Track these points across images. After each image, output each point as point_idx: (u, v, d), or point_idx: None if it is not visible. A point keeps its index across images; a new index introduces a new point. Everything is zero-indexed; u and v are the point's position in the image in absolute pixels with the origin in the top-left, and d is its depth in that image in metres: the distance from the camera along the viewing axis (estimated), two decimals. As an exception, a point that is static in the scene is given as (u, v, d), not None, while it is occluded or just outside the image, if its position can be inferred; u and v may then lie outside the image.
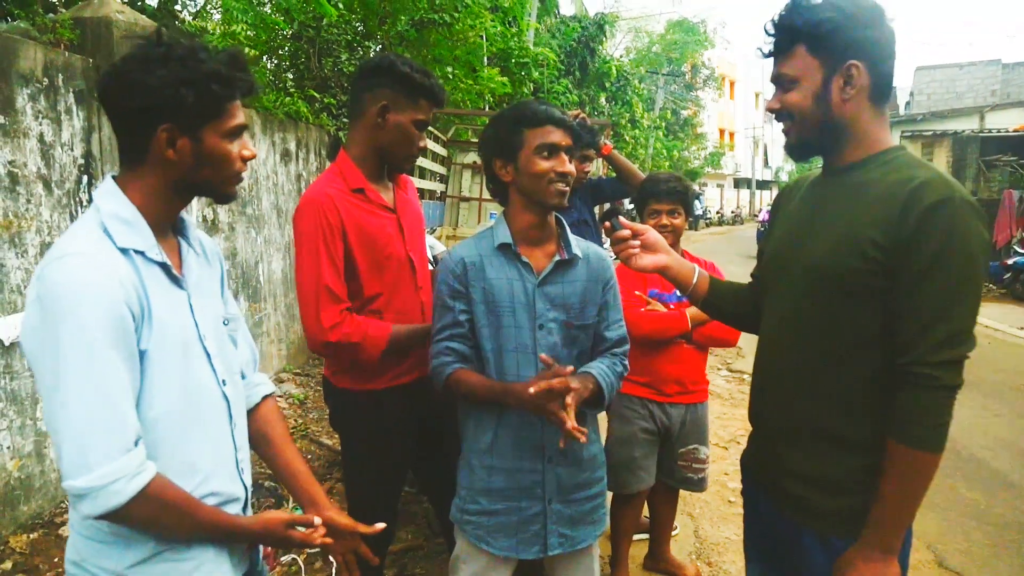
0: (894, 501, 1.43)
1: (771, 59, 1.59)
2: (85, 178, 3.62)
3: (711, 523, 3.85)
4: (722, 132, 43.15)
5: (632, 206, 3.60)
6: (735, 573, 3.34)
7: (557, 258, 1.94)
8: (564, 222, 2.02)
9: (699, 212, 14.14)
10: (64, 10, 3.93)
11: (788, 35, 1.52)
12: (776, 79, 1.58)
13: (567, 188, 1.90)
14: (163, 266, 1.32)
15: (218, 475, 1.39)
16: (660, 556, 3.26)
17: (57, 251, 1.23)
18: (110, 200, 1.29)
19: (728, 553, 3.52)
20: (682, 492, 3.23)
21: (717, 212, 38.56)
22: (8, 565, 3.09)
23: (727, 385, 6.74)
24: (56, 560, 3.16)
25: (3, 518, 3.20)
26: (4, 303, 3.13)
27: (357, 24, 7.84)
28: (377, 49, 8.39)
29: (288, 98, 6.11)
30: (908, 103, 24.21)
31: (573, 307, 1.94)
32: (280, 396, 5.56)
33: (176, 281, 1.36)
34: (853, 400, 1.50)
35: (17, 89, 3.20)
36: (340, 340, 2.05)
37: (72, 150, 3.53)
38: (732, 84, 43.09)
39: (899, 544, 1.45)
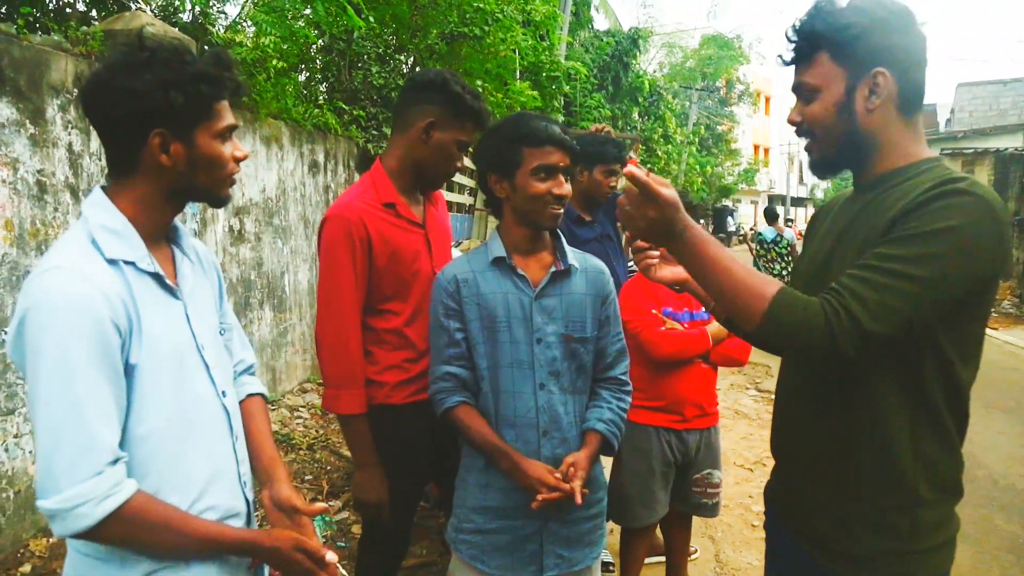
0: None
1: (792, 68, 1.49)
2: (100, 185, 3.67)
3: (733, 547, 3.76)
4: (756, 148, 42.76)
5: None
6: (755, 600, 3.24)
7: (553, 269, 1.91)
8: (559, 233, 1.98)
9: (732, 228, 13.92)
10: (97, 23, 4.00)
11: (810, 41, 1.42)
12: (797, 88, 1.48)
13: (562, 210, 1.86)
14: (155, 276, 1.29)
15: (218, 489, 1.35)
16: (678, 580, 3.18)
17: (44, 264, 1.21)
18: (98, 211, 1.26)
19: (749, 579, 3.43)
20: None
21: (751, 228, 38.16)
22: (27, 568, 3.12)
23: (755, 405, 6.61)
24: (73, 565, 3.18)
25: (24, 521, 3.23)
26: (29, 309, 3.17)
27: (389, 37, 7.90)
28: (408, 62, 8.45)
29: (317, 110, 6.16)
30: (949, 120, 23.75)
31: (572, 320, 1.90)
32: (303, 407, 5.58)
33: (170, 291, 1.33)
34: (885, 433, 1.37)
35: (48, 100, 3.26)
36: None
37: (100, 159, 3.59)
38: (768, 100, 42.72)
39: None
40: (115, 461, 1.17)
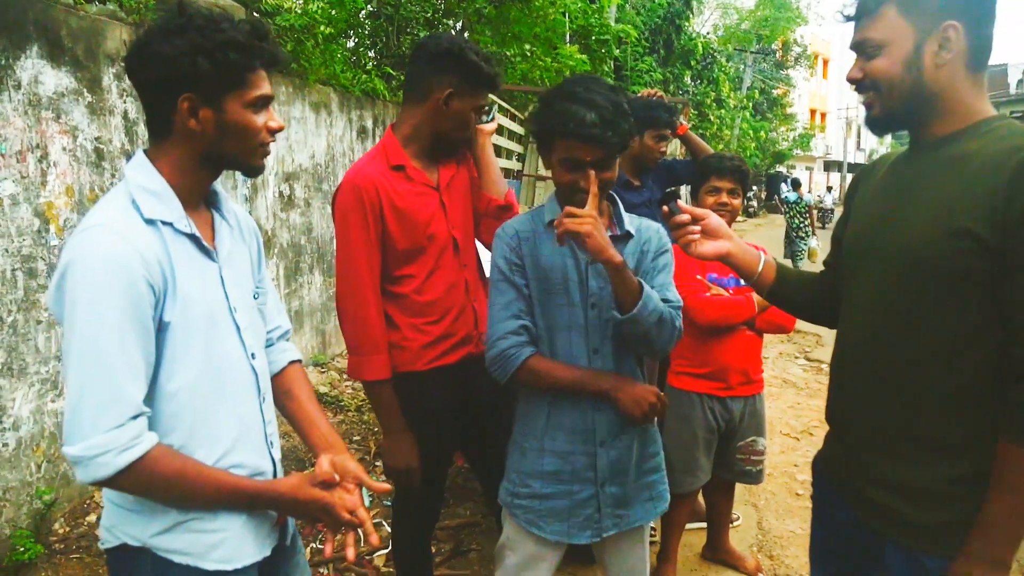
0: (1005, 510, 1.27)
1: (853, 24, 1.44)
2: (141, 148, 3.77)
3: (776, 515, 3.74)
4: (813, 113, 41.47)
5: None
6: (797, 568, 3.23)
7: (609, 234, 1.88)
8: (617, 199, 1.96)
9: (784, 194, 13.64)
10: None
11: None
12: (858, 45, 1.41)
13: (587, 197, 1.76)
14: (192, 238, 1.33)
15: (244, 448, 1.40)
16: (719, 546, 3.19)
17: (86, 221, 1.25)
18: (139, 173, 1.30)
19: (791, 547, 3.42)
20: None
21: (809, 195, 37.17)
22: (92, 518, 3.29)
23: (803, 374, 6.52)
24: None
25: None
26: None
27: (437, 1, 7.86)
28: (457, 27, 8.40)
29: (365, 76, 6.19)
30: (1020, 81, 22.64)
31: None
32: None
33: (207, 253, 1.36)
34: (955, 400, 1.34)
35: (104, 68, 3.35)
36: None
37: (155, 126, 3.68)
38: (826, 62, 41.32)
39: (1011, 557, 1.29)
40: (137, 415, 1.22)
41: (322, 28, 5.31)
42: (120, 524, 1.33)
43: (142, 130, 3.59)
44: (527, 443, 1.95)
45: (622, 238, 1.90)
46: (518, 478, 1.95)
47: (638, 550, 2.04)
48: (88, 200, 3.28)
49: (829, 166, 46.77)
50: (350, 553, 1.42)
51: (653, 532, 3.17)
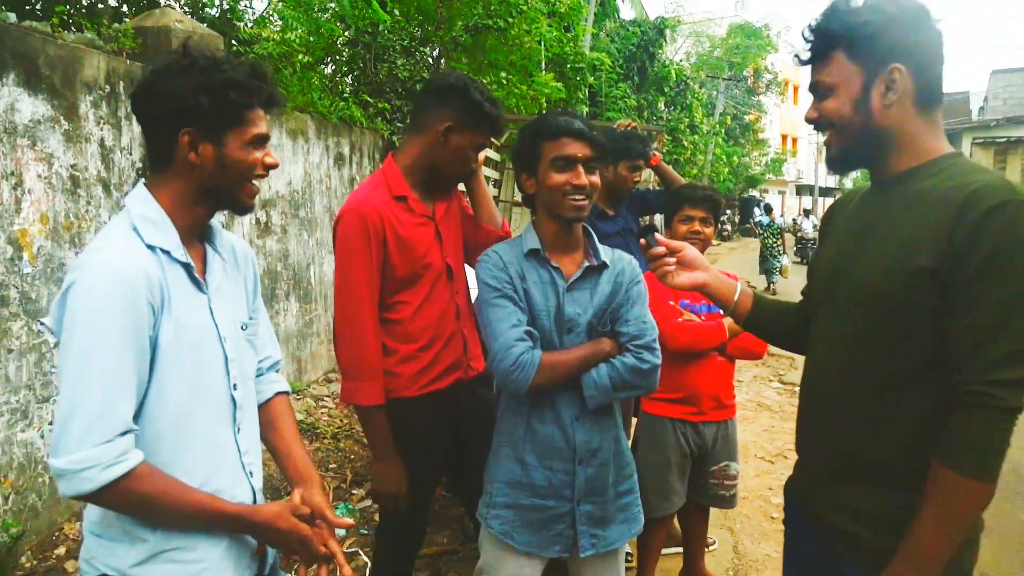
0: (930, 530, 1.31)
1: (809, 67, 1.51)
2: (142, 181, 3.76)
3: (751, 539, 3.77)
4: (784, 138, 42.24)
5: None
6: (772, 592, 3.26)
7: (586, 264, 1.95)
8: (591, 231, 2.01)
9: (758, 218, 14.18)
10: (129, 20, 4.09)
11: (826, 40, 1.44)
12: (813, 87, 1.50)
13: (585, 201, 1.88)
14: (186, 267, 1.39)
15: (221, 475, 1.42)
16: (695, 571, 3.20)
17: (91, 245, 1.33)
18: (139, 203, 1.37)
19: (767, 571, 3.44)
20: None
21: (781, 218, 37.69)
22: (62, 551, 3.23)
23: (778, 397, 6.59)
24: (106, 548, 3.29)
25: (59, 506, 3.34)
26: (64, 300, 3.27)
27: (414, 29, 7.95)
28: (434, 55, 8.48)
29: (342, 103, 6.23)
30: (982, 108, 23.24)
31: (601, 308, 1.93)
32: (327, 396, 5.67)
33: (197, 284, 1.42)
34: (911, 433, 1.39)
35: (81, 96, 3.35)
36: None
37: (131, 154, 3.68)
38: (796, 89, 42.08)
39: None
40: (126, 432, 1.24)
41: (300, 56, 5.35)
42: (99, 555, 1.34)
43: (119, 158, 3.59)
44: (505, 452, 1.98)
45: (597, 268, 1.95)
46: (495, 488, 1.99)
47: (611, 573, 2.06)
48: (63, 228, 3.26)
49: (801, 190, 47.51)
50: None
51: (629, 557, 3.18)
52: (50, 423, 3.24)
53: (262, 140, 1.42)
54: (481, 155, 2.46)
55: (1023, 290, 1.26)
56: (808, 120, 1.53)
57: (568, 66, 10.56)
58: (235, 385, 1.47)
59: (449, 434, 2.35)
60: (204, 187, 1.40)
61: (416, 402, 2.22)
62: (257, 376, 1.62)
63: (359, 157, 6.67)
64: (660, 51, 18.49)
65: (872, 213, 1.49)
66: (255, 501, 1.51)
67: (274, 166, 1.46)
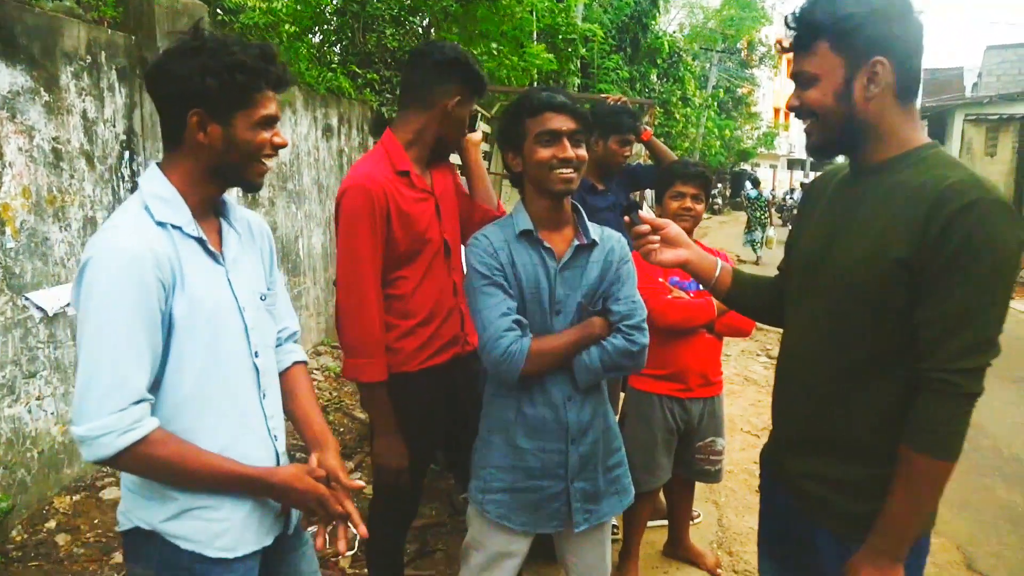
0: (903, 507, 1.40)
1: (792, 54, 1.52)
2: (127, 153, 3.72)
3: (736, 512, 3.82)
4: (777, 111, 42.02)
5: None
6: (755, 564, 3.29)
7: (576, 243, 1.94)
8: (580, 208, 2.01)
9: (747, 191, 14.21)
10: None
11: (810, 30, 1.45)
12: (795, 76, 1.51)
13: (573, 174, 1.87)
14: (199, 241, 1.45)
15: (245, 440, 1.50)
16: (680, 543, 3.26)
17: (105, 224, 1.40)
18: (151, 182, 1.43)
19: (750, 543, 3.49)
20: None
21: (771, 192, 37.76)
22: (52, 524, 3.24)
23: (764, 372, 6.64)
24: (96, 521, 3.30)
25: (48, 480, 3.35)
26: (48, 275, 3.25)
27: (404, -1, 7.83)
28: (423, 24, 8.37)
29: (330, 74, 6.15)
30: (976, 84, 23.17)
31: (591, 288, 1.94)
32: (316, 369, 5.68)
33: (213, 256, 1.48)
34: (880, 414, 1.46)
35: (61, 67, 3.30)
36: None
37: (114, 126, 3.63)
38: (789, 62, 41.82)
39: (906, 550, 1.42)
40: (139, 401, 1.32)
41: (286, 27, 5.26)
42: (133, 509, 1.45)
43: (102, 130, 3.54)
44: (497, 437, 1.98)
45: (587, 247, 1.94)
46: (489, 473, 1.99)
47: (599, 548, 2.09)
48: (46, 202, 3.23)
49: (793, 164, 47.47)
50: (341, 545, 1.53)
51: (616, 530, 3.22)
52: (37, 398, 3.23)
53: (271, 121, 1.46)
54: (479, 134, 2.50)
55: (987, 286, 1.32)
56: (789, 108, 1.55)
57: (560, 37, 10.45)
58: (256, 352, 1.54)
59: (446, 409, 2.36)
60: (213, 166, 1.45)
61: (416, 377, 2.23)
62: (276, 346, 1.69)
63: (347, 128, 6.61)
64: (653, 22, 18.31)
65: (850, 202, 1.53)
66: (278, 464, 1.58)
67: (283, 145, 1.50)
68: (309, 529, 1.64)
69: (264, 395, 1.56)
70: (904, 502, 1.39)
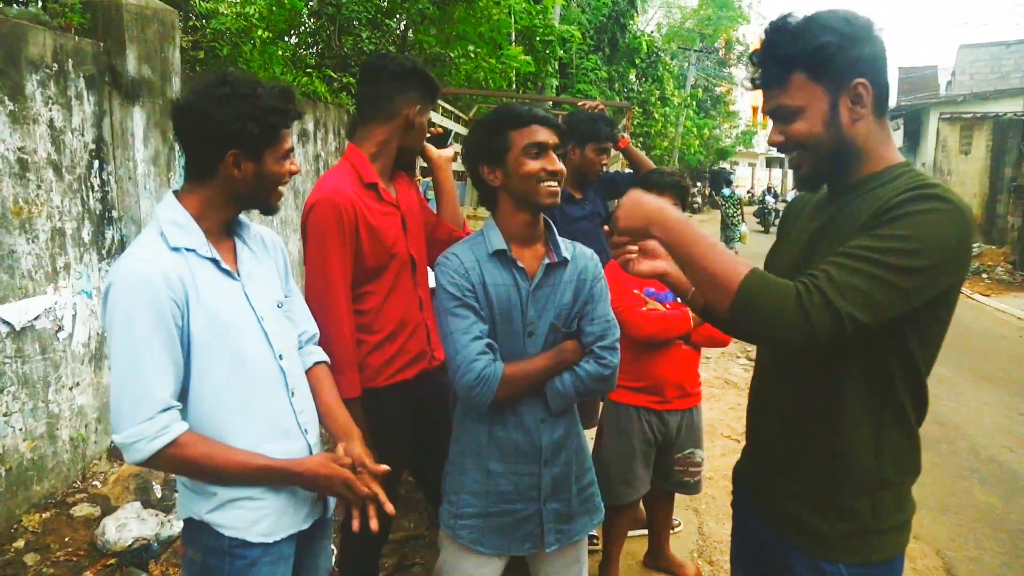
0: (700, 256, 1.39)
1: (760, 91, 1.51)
2: (96, 163, 3.64)
3: (716, 520, 3.82)
4: (755, 110, 42.30)
5: None
6: (736, 573, 3.31)
7: (547, 261, 1.91)
8: (552, 224, 1.98)
9: (728, 193, 14.27)
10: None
11: (782, 65, 1.43)
12: (774, 112, 1.48)
13: (558, 187, 1.86)
14: (213, 261, 1.58)
15: (277, 435, 1.64)
16: (660, 554, 3.25)
17: (125, 252, 1.56)
18: (167, 210, 1.58)
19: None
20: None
21: (748, 191, 38.07)
22: (20, 543, 3.16)
23: (745, 374, 6.65)
24: (67, 539, 3.23)
25: (16, 497, 3.27)
26: (15, 288, 3.17)
27: (379, 0, 7.77)
28: (400, 27, 8.32)
29: (306, 78, 6.08)
30: (950, 83, 23.46)
31: (564, 309, 1.91)
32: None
33: (227, 273, 1.61)
34: (852, 429, 1.45)
35: (27, 75, 3.21)
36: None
37: (83, 135, 3.55)
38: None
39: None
40: (166, 409, 1.47)
41: (259, 32, 5.19)
42: (186, 502, 1.63)
43: (70, 139, 3.46)
44: (468, 462, 1.95)
45: (559, 264, 1.92)
46: (460, 499, 1.96)
47: (575, 566, 2.07)
48: (11, 213, 3.15)
49: (771, 162, 47.88)
50: (374, 524, 1.67)
51: (595, 540, 3.21)
52: (4, 414, 3.16)
53: (290, 153, 1.65)
54: (451, 151, 2.50)
55: (903, 255, 1.26)
56: (773, 144, 1.53)
57: (537, 39, 10.44)
58: (280, 355, 1.68)
59: (414, 424, 2.34)
60: (239, 194, 1.61)
61: (384, 392, 2.21)
62: (298, 349, 1.82)
63: (324, 133, 6.54)
64: (631, 22, 18.38)
65: (825, 219, 1.53)
66: (310, 455, 1.71)
67: (296, 172, 1.68)
68: (335, 518, 1.84)
69: (292, 393, 1.69)
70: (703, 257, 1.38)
